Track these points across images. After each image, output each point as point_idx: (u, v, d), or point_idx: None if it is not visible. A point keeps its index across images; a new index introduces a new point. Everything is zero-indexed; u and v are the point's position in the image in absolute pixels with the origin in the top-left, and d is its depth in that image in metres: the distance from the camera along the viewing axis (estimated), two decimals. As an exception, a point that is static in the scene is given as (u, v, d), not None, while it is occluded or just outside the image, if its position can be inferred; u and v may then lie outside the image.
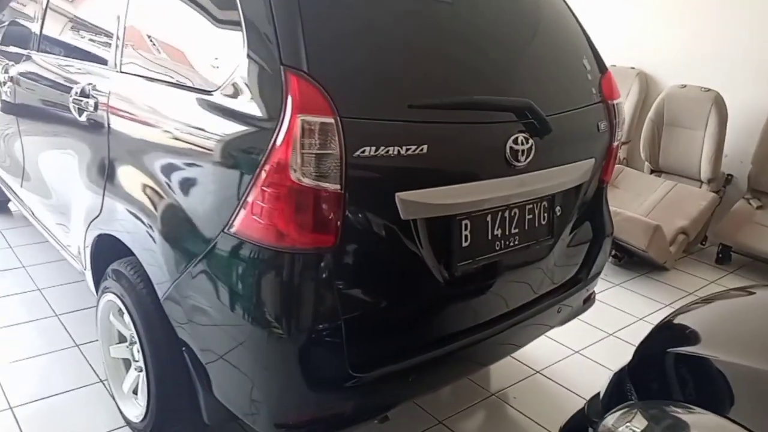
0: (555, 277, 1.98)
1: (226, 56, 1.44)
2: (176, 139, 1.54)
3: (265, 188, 1.31)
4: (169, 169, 1.57)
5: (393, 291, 1.52)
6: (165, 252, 1.59)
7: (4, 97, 2.75)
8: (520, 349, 1.99)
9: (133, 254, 1.80)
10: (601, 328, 2.85)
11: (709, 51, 4.02)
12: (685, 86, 3.93)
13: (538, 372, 2.50)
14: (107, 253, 2.01)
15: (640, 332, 2.87)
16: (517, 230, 1.74)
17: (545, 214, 1.83)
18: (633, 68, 4.35)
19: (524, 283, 1.86)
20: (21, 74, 2.53)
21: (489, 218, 1.65)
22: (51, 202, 2.40)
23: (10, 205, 3.84)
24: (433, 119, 1.47)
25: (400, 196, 1.42)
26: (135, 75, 1.75)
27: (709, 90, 3.80)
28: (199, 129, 1.47)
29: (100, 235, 1.95)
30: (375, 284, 1.48)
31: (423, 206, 1.47)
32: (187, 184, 1.52)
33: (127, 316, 1.81)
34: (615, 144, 2.04)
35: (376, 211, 1.42)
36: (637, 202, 3.88)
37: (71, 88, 2.01)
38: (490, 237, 1.67)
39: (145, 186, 1.66)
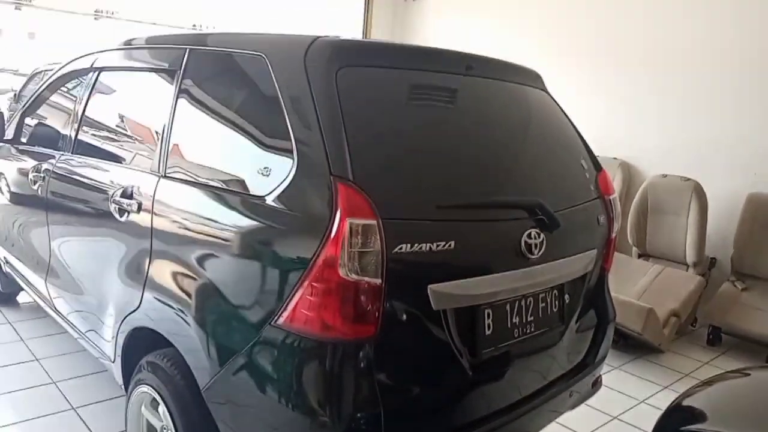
0: (565, 362, 2.11)
1: (276, 165, 1.61)
2: (223, 239, 1.69)
3: (315, 283, 1.45)
4: (214, 267, 1.71)
5: (425, 378, 1.63)
6: (208, 345, 1.70)
7: (31, 194, 2.89)
8: (538, 431, 2.08)
9: (169, 346, 1.90)
10: (605, 411, 2.94)
11: (686, 141, 4.36)
12: (666, 176, 4.22)
13: (549, 456, 2.56)
14: (139, 346, 2.10)
15: (642, 415, 3.00)
16: (532, 318, 1.88)
17: (556, 302, 1.98)
18: (615, 158, 4.67)
19: (539, 369, 1.98)
20: (55, 173, 2.68)
21: (508, 307, 1.80)
22: (80, 297, 2.49)
23: (19, 298, 3.90)
24: (459, 218, 1.65)
25: (432, 288, 1.56)
26: (182, 180, 1.91)
27: (688, 179, 4.08)
28: (248, 231, 1.63)
29: (135, 329, 2.05)
30: (410, 372, 1.60)
31: (452, 297, 1.61)
32: (232, 281, 1.65)
33: (162, 408, 1.88)
34: (613, 235, 2.23)
35: (411, 302, 1.56)
36: (628, 285, 4.06)
37: (112, 190, 2.17)
38: (509, 325, 1.80)
39: (189, 282, 1.78)
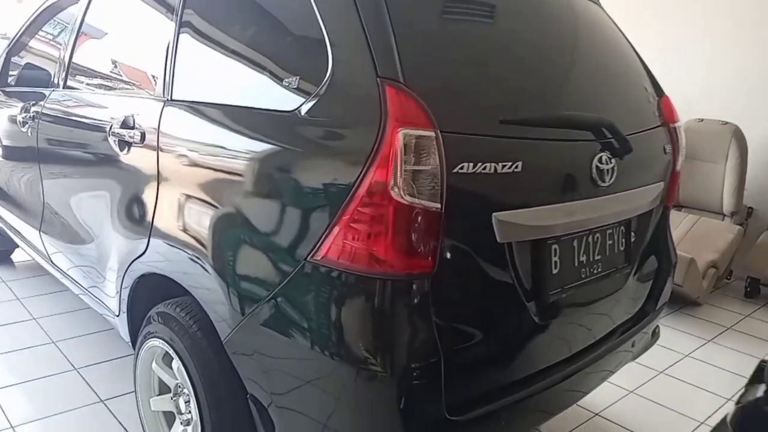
0: (629, 308, 1.88)
1: (306, 73, 1.35)
2: (244, 167, 1.43)
3: (361, 209, 1.20)
4: (235, 200, 1.45)
5: (487, 323, 1.39)
6: (231, 290, 1.45)
7: (22, 141, 2.62)
8: (599, 385, 1.86)
9: (182, 294, 1.66)
10: (651, 366, 2.72)
11: (725, 84, 4.06)
12: (703, 120, 3.94)
13: (597, 414, 2.35)
14: (147, 296, 1.87)
15: (689, 369, 2.79)
16: (599, 257, 1.63)
17: (623, 240, 1.74)
18: (644, 105, 4.37)
19: (604, 315, 1.74)
20: (45, 113, 2.41)
21: (575, 243, 1.55)
22: (78, 246, 2.24)
23: (13, 257, 3.66)
24: (525, 135, 1.39)
25: (497, 216, 1.31)
26: (191, 103, 1.64)
27: (727, 123, 3.80)
28: (275, 153, 1.37)
29: (143, 276, 1.80)
30: (470, 315, 1.36)
31: (519, 228, 1.36)
32: (260, 212, 1.39)
33: (177, 363, 1.64)
34: (678, 168, 1.97)
35: (473, 233, 1.31)
36: (662, 237, 3.81)
37: (110, 122, 1.90)
38: (576, 263, 1.56)
39: (204, 220, 1.53)
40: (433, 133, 1.19)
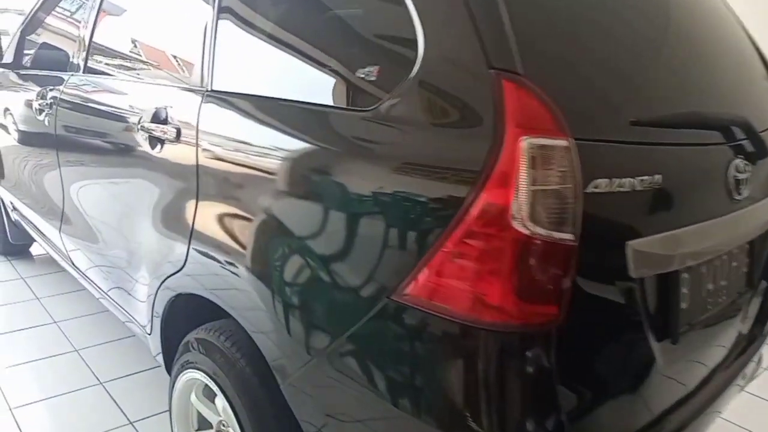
0: (743, 336, 1.60)
1: (388, 60, 1.07)
2: (309, 173, 1.16)
3: (468, 240, 0.93)
4: (299, 214, 1.19)
5: (613, 373, 1.12)
6: (291, 324, 1.20)
7: (38, 130, 2.38)
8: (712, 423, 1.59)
9: (224, 317, 1.42)
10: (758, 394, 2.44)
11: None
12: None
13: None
14: (184, 313, 1.63)
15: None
16: (725, 282, 1.36)
17: (746, 260, 1.46)
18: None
19: (723, 347, 1.48)
20: (63, 100, 2.16)
21: (704, 269, 1.27)
22: (102, 251, 2.01)
23: (32, 249, 3.45)
24: (662, 140, 1.11)
25: (633, 245, 1.04)
26: (238, 96, 1.37)
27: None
28: (343, 158, 1.11)
29: (179, 295, 1.56)
30: (596, 369, 1.09)
31: (657, 258, 1.09)
32: (330, 233, 1.13)
33: (221, 401, 1.41)
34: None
35: (604, 268, 1.04)
36: None
37: (138, 114, 1.65)
38: (703, 294, 1.29)
39: (258, 238, 1.27)
40: (566, 143, 0.91)
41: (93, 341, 2.50)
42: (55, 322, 2.66)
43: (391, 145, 1.04)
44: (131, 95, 1.80)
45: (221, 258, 1.37)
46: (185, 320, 1.64)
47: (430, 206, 0.98)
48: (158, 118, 1.57)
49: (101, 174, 1.92)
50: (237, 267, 1.32)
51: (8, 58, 2.77)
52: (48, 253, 2.69)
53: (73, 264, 2.34)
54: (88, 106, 2.02)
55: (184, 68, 1.60)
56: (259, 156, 1.27)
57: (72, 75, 2.18)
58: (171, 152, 1.52)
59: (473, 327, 0.96)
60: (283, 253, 1.21)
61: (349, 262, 1.09)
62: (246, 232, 1.31)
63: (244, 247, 1.30)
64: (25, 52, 2.76)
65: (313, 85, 1.22)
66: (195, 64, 1.52)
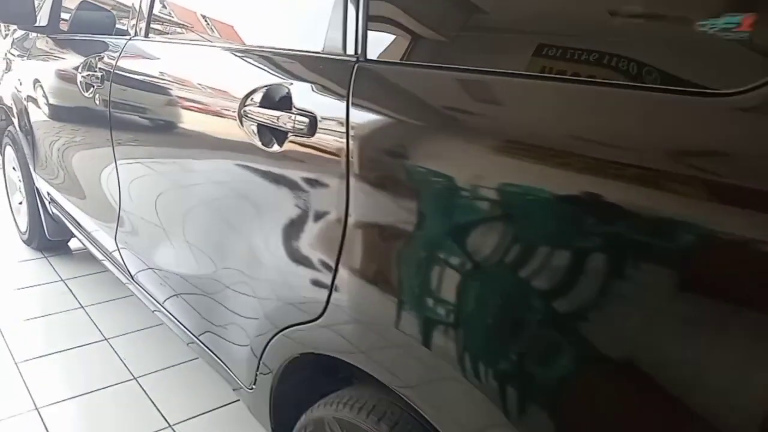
0: None
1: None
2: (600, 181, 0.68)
3: None
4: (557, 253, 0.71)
5: None
6: (526, 416, 0.73)
7: (84, 109, 1.92)
8: None
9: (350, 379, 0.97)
10: None
11: None
12: None
13: None
14: (300, 373, 1.19)
15: None
16: None
17: None
18: None
19: None
20: (120, 75, 1.69)
21: None
22: (181, 274, 1.55)
23: (71, 243, 3.03)
24: None
25: None
26: (416, 64, 0.89)
27: None
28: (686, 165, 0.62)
29: (305, 355, 1.11)
30: None
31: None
32: (599, 276, 0.65)
33: None
34: None
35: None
36: None
37: (236, 96, 1.17)
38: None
39: (474, 281, 0.80)
40: None
41: (151, 365, 2.08)
42: (105, 339, 2.24)
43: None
44: (227, 70, 1.32)
45: (392, 310, 0.90)
46: (300, 379, 1.21)
47: None
48: (272, 101, 1.10)
49: (177, 171, 1.46)
50: (425, 325, 0.85)
51: (43, 20, 2.30)
52: (99, 260, 2.25)
53: (136, 280, 1.89)
54: (154, 82, 1.55)
55: (313, 28, 1.11)
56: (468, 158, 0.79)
57: (130, 40, 1.71)
58: (299, 150, 1.05)
59: None
60: (526, 311, 0.74)
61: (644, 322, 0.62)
62: (446, 274, 0.83)
63: (439, 297, 0.83)
64: (64, 13, 2.29)
65: (573, 58, 0.73)
66: (335, 20, 1.03)
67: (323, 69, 1.04)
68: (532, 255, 0.72)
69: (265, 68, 1.17)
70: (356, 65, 0.96)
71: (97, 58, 1.83)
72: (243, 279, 1.26)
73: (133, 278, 1.88)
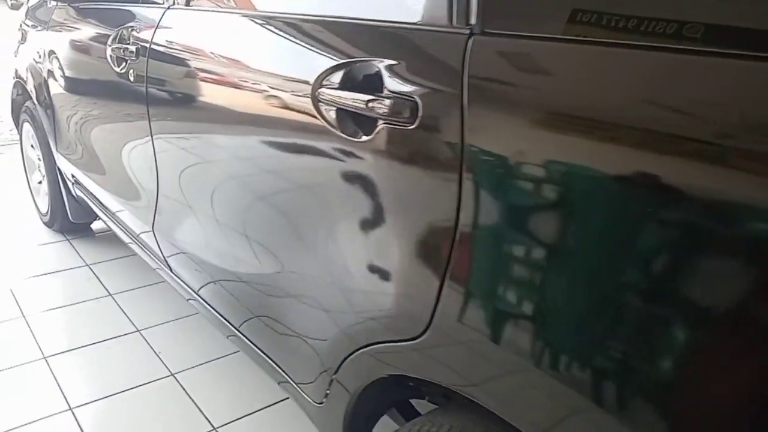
0: None
1: None
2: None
3: None
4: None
5: None
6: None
7: (115, 86, 1.76)
8: None
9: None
10: None
11: None
12: None
13: None
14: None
15: None
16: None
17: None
18: None
19: None
20: (157, 50, 1.52)
21: None
22: (236, 273, 1.41)
23: (94, 225, 2.89)
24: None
25: None
26: (554, 38, 0.72)
27: None
28: None
29: (393, 377, 0.97)
30: None
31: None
32: None
33: None
34: None
35: None
36: None
37: (303, 76, 1.01)
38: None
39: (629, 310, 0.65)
40: None
41: (189, 360, 1.96)
42: (138, 330, 2.12)
43: None
44: (286, 43, 1.15)
45: (520, 335, 0.75)
46: (374, 393, 1.08)
47: None
48: (356, 82, 0.94)
49: (232, 160, 1.30)
50: (561, 355, 0.70)
51: (64, -13, 2.13)
52: (134, 249, 2.11)
53: (175, 274, 1.74)
54: (200, 59, 1.38)
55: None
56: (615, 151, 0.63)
57: (168, 9, 1.54)
58: (394, 140, 0.89)
59: None
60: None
61: None
62: (594, 295, 0.68)
63: (583, 322, 0.68)
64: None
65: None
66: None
67: (426, 43, 0.87)
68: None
69: (346, 42, 1.00)
70: (470, 38, 0.80)
71: (129, 29, 1.66)
72: (313, 284, 1.11)
73: (172, 270, 1.74)
